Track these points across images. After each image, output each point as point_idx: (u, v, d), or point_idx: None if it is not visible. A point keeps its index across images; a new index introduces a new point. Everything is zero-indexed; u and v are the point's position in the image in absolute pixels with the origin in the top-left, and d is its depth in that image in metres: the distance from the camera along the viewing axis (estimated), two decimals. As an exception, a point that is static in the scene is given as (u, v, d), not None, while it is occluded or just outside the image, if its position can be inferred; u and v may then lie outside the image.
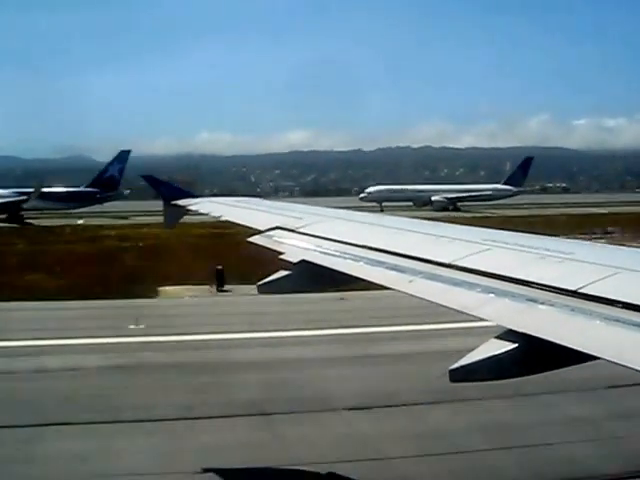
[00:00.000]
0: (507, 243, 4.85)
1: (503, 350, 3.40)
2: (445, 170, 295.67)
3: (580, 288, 3.59)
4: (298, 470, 9.43)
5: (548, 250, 4.44)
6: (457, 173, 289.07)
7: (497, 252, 4.66)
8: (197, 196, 12.46)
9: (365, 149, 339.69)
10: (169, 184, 13.20)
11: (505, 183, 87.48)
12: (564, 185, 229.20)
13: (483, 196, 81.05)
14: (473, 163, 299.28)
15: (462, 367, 3.44)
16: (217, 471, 9.41)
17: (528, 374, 3.50)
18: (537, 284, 3.83)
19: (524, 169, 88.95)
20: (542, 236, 5.34)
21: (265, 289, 6.17)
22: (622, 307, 3.28)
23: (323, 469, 9.40)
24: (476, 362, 3.41)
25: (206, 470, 9.30)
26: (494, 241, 4.95)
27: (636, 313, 3.19)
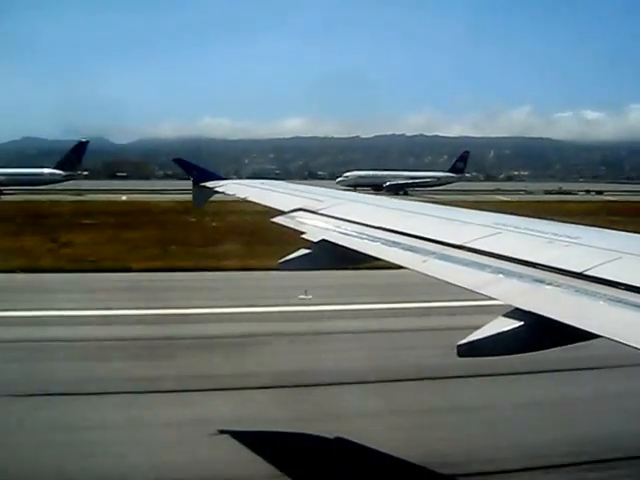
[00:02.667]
0: (517, 227, 4.86)
1: (510, 327, 3.44)
2: (429, 157, 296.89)
3: (585, 270, 3.61)
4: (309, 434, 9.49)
5: (556, 234, 4.44)
6: (440, 160, 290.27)
7: (507, 235, 4.68)
8: (224, 178, 12.58)
9: (363, 136, 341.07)
10: (199, 167, 13.32)
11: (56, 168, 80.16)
12: (525, 173, 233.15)
13: (24, 180, 72.61)
14: (459, 151, 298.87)
15: (470, 343, 3.47)
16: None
17: (533, 351, 3.54)
18: (544, 266, 3.85)
19: (76, 154, 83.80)
20: (552, 221, 5.34)
21: (286, 266, 6.24)
22: (624, 289, 3.30)
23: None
24: (483, 338, 3.45)
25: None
26: (505, 225, 4.97)
27: (638, 295, 3.21)
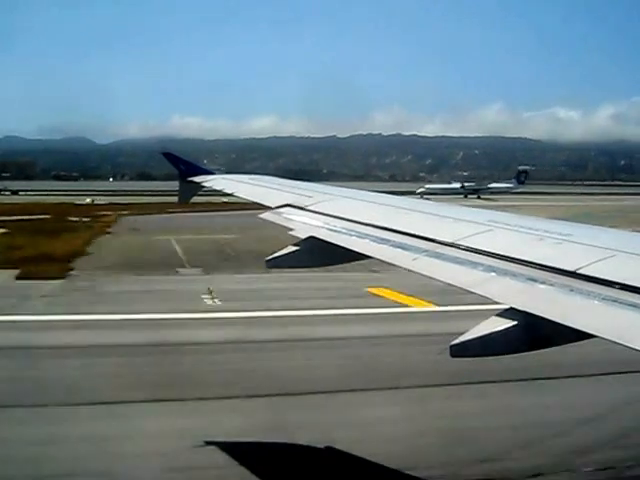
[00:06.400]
0: (508, 224, 4.79)
1: (503, 327, 3.36)
2: (393, 157, 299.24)
3: (578, 269, 3.54)
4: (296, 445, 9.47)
5: (547, 232, 4.37)
6: (403, 160, 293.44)
7: (499, 233, 4.60)
8: (212, 173, 12.37)
9: (339, 135, 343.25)
10: (187, 161, 13.11)
11: None
12: (465, 174, 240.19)
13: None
14: (436, 151, 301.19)
15: (463, 343, 3.39)
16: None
17: (527, 351, 3.46)
18: (537, 264, 3.77)
19: None
20: (543, 218, 5.28)
21: (273, 264, 6.10)
22: (619, 288, 3.24)
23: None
24: (477, 338, 3.38)
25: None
26: (496, 222, 4.88)
27: (632, 294, 3.14)
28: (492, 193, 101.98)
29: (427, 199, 36.77)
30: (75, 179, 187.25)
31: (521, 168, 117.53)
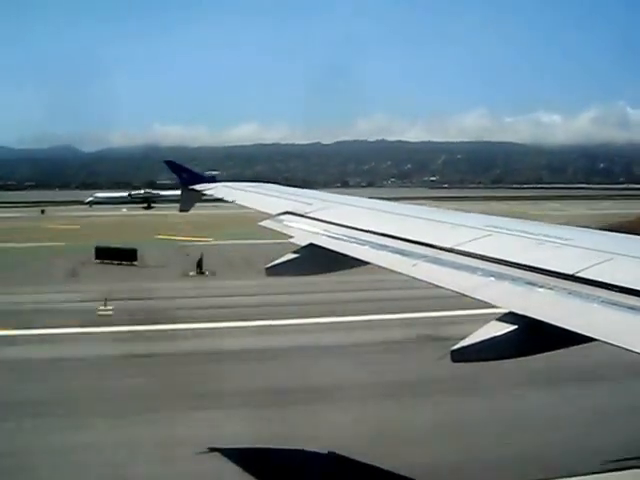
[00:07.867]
0: (508, 229, 4.79)
1: (503, 331, 3.37)
2: (372, 163, 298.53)
3: (577, 272, 3.55)
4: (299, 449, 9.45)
5: (547, 236, 4.38)
6: (383, 166, 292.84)
7: (498, 237, 4.60)
8: (213, 181, 12.42)
9: (324, 142, 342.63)
10: (189, 170, 13.17)
11: None
12: (433, 179, 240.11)
13: None
14: (408, 157, 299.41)
15: (463, 348, 3.39)
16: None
17: (527, 355, 3.47)
18: (536, 268, 3.78)
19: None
20: (541, 223, 5.30)
21: (273, 271, 6.05)
22: (618, 291, 3.24)
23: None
24: (477, 343, 3.37)
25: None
26: (495, 227, 4.89)
27: (630, 296, 3.16)
28: (174, 201, 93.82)
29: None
30: (25, 189, 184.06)
31: (207, 174, 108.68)
